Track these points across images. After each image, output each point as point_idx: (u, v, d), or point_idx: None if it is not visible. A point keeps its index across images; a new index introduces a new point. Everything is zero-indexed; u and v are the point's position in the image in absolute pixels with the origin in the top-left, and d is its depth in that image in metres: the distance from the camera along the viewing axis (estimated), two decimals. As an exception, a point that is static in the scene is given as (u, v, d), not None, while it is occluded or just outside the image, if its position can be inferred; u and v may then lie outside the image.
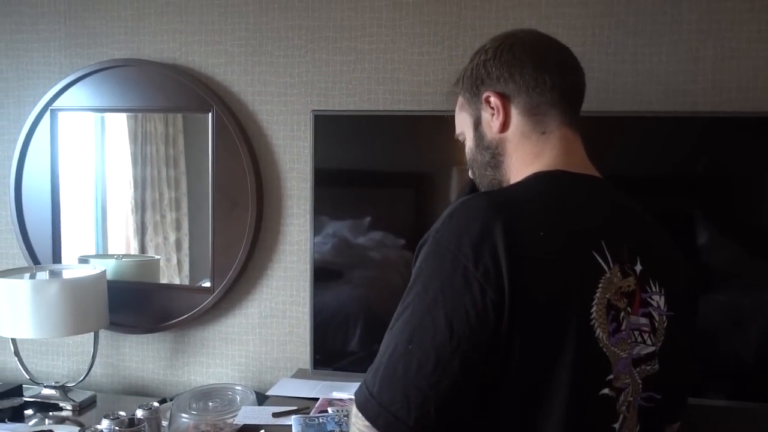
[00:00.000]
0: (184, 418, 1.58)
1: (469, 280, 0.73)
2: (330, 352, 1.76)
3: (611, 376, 0.77)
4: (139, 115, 1.98)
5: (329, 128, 1.72)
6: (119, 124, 2.01)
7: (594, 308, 0.76)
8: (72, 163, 2.04)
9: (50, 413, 1.83)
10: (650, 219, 0.93)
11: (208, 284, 1.95)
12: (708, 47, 1.64)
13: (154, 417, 1.61)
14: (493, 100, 0.93)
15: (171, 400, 1.81)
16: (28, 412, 1.83)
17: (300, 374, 1.84)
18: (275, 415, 1.54)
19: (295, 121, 1.87)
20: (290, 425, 1.45)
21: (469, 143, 1.01)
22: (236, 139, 1.87)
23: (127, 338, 2.04)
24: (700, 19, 1.64)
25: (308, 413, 1.53)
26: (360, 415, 0.76)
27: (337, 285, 1.76)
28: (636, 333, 0.82)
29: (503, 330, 0.72)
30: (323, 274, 1.75)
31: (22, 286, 1.75)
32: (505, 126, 0.93)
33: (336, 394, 1.64)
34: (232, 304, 1.97)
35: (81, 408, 1.86)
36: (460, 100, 1.02)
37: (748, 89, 1.63)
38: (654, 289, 0.85)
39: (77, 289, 1.79)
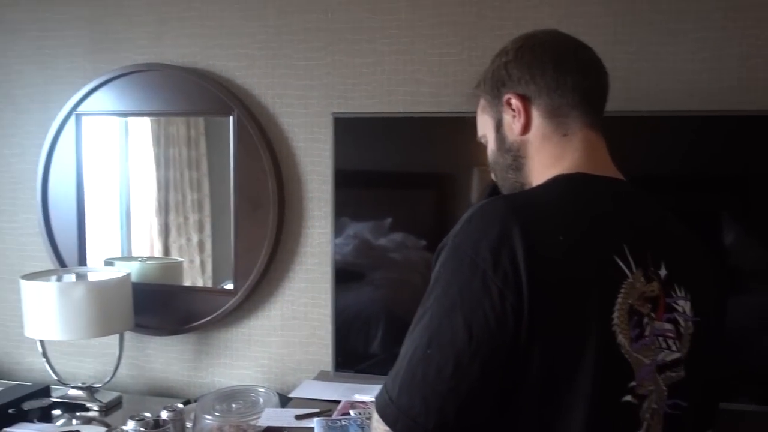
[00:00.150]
0: (208, 419, 1.60)
1: (488, 285, 0.73)
2: (352, 354, 1.76)
3: (634, 383, 0.76)
4: (162, 118, 2.01)
5: (349, 130, 1.72)
6: (143, 127, 2.03)
7: (615, 314, 0.75)
8: (96, 167, 2.07)
9: (77, 414, 1.86)
10: (676, 222, 0.91)
11: (230, 286, 1.96)
12: (733, 45, 1.61)
13: (178, 418, 1.63)
14: (514, 102, 0.93)
15: (195, 401, 1.83)
16: (56, 412, 1.85)
17: (322, 376, 1.84)
18: (298, 417, 1.55)
19: (316, 124, 1.88)
20: (312, 427, 1.45)
21: (491, 146, 1.00)
22: (257, 142, 1.88)
23: (151, 340, 2.07)
24: (724, 16, 1.61)
25: (330, 415, 1.53)
26: (380, 419, 0.76)
27: (359, 287, 1.76)
28: (660, 339, 0.80)
29: (522, 335, 0.72)
30: (344, 276, 1.75)
31: (49, 288, 1.78)
32: (526, 128, 0.93)
33: (358, 397, 1.64)
34: (255, 306, 1.98)
35: (107, 409, 1.89)
36: (482, 102, 1.01)
37: (774, 87, 1.60)
38: (679, 294, 0.83)
39: (103, 291, 1.82)
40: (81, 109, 2.03)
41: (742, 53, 1.61)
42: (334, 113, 1.73)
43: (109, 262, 2.08)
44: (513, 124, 0.94)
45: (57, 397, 1.91)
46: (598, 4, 1.67)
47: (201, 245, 2.04)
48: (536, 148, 0.92)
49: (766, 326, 1.51)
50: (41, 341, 1.91)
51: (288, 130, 1.91)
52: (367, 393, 1.64)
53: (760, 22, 1.59)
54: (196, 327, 1.99)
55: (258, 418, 1.57)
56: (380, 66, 1.82)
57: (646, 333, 0.78)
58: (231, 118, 1.90)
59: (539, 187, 0.88)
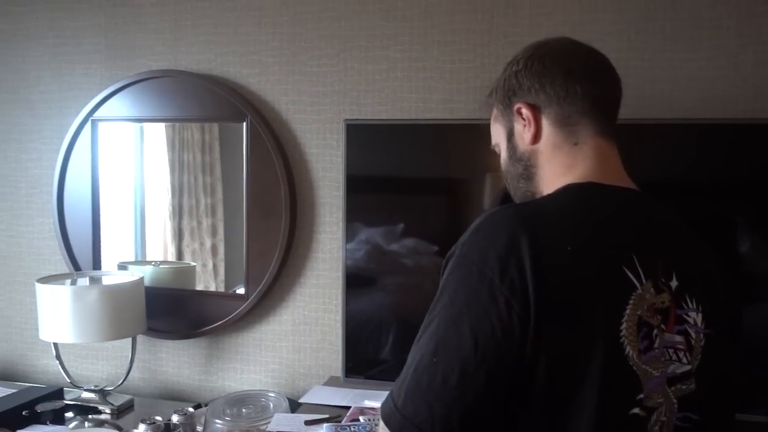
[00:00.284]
0: (218, 423, 1.60)
1: (495, 294, 0.73)
2: (362, 360, 1.76)
3: (642, 395, 0.76)
4: (177, 123, 2.02)
5: (361, 137, 1.73)
6: (157, 132, 2.05)
7: (624, 325, 0.75)
8: (112, 172, 2.09)
9: (90, 416, 1.87)
10: (690, 232, 0.90)
11: (242, 291, 1.97)
12: (748, 52, 1.60)
13: (189, 422, 1.64)
14: (525, 111, 0.93)
15: (206, 405, 1.83)
16: (69, 414, 1.87)
17: (332, 382, 1.84)
18: (307, 423, 1.55)
19: (328, 130, 1.89)
20: (322, 433, 1.46)
21: (503, 155, 1.00)
22: (270, 148, 1.89)
23: (163, 344, 2.08)
24: (739, 23, 1.59)
25: (340, 421, 1.53)
26: (385, 427, 0.76)
27: (370, 292, 1.76)
28: (671, 351, 0.79)
29: (528, 344, 0.72)
30: (356, 282, 1.76)
31: (64, 292, 1.80)
32: (536, 137, 0.92)
33: (368, 403, 1.64)
34: (266, 311, 1.99)
35: (119, 411, 1.90)
36: (495, 111, 1.02)
37: (790, 95, 1.58)
38: (691, 305, 0.82)
39: (116, 295, 1.84)
40: (97, 114, 2.05)
41: (757, 60, 1.59)
42: (346, 120, 1.73)
43: (122, 266, 2.10)
44: (524, 134, 0.94)
45: (70, 400, 1.93)
46: (612, 11, 1.67)
47: (214, 249, 2.05)
48: (547, 158, 0.92)
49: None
50: (55, 344, 1.93)
51: (300, 136, 1.92)
52: (376, 399, 1.64)
53: (775, 30, 1.58)
54: (207, 331, 2.00)
55: (268, 423, 1.58)
56: (393, 73, 1.83)
57: (656, 345, 0.78)
58: (244, 124, 1.92)
59: (549, 196, 0.88)
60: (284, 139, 1.93)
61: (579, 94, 0.89)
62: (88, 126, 2.06)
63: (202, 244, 2.06)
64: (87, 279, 2.03)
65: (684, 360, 0.80)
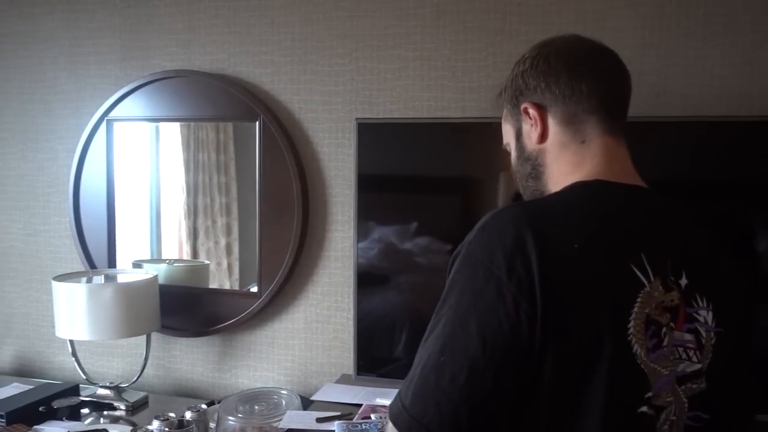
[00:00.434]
0: (231, 420, 1.61)
1: (502, 292, 0.73)
2: (374, 358, 1.76)
3: (650, 394, 0.75)
4: (190, 122, 2.04)
5: (373, 135, 1.73)
6: (172, 131, 2.07)
7: (632, 323, 0.74)
8: (127, 171, 2.11)
9: (105, 413, 1.89)
10: (701, 230, 0.89)
11: (255, 289, 1.99)
12: (764, 49, 1.58)
13: (202, 419, 1.65)
14: (531, 111, 0.93)
15: (218, 402, 1.85)
16: (84, 411, 1.89)
17: (344, 380, 1.85)
18: (319, 420, 1.56)
19: (340, 129, 1.89)
20: (333, 430, 1.46)
21: (513, 154, 1.01)
22: (282, 148, 1.90)
23: (177, 341, 2.10)
24: (755, 20, 1.58)
25: (351, 419, 1.54)
26: (394, 427, 0.76)
27: (383, 290, 1.76)
28: (680, 349, 0.79)
29: (536, 342, 0.71)
30: (369, 280, 1.76)
31: (79, 290, 1.82)
32: (543, 137, 0.92)
33: (379, 401, 1.64)
34: (279, 309, 2.00)
35: (134, 408, 1.92)
36: (505, 111, 1.02)
37: (808, 91, 1.56)
38: (701, 304, 0.82)
39: (131, 293, 1.86)
40: (112, 114, 2.07)
41: (774, 57, 1.58)
42: (358, 119, 1.74)
43: (137, 264, 2.12)
44: (531, 133, 0.94)
45: (86, 396, 1.95)
46: (626, 8, 1.65)
47: (228, 248, 2.07)
48: (554, 157, 0.92)
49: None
50: (71, 341, 1.96)
51: (313, 135, 1.92)
52: (388, 397, 1.64)
53: (792, 26, 1.56)
54: (220, 329, 2.02)
55: (280, 420, 1.58)
56: (405, 72, 1.83)
57: (665, 343, 0.77)
58: (257, 123, 1.93)
59: (555, 194, 0.88)
60: (296, 138, 1.93)
61: (584, 92, 0.89)
62: (103, 126, 2.08)
63: (216, 242, 2.07)
64: (102, 277, 2.06)
65: (694, 359, 0.80)
